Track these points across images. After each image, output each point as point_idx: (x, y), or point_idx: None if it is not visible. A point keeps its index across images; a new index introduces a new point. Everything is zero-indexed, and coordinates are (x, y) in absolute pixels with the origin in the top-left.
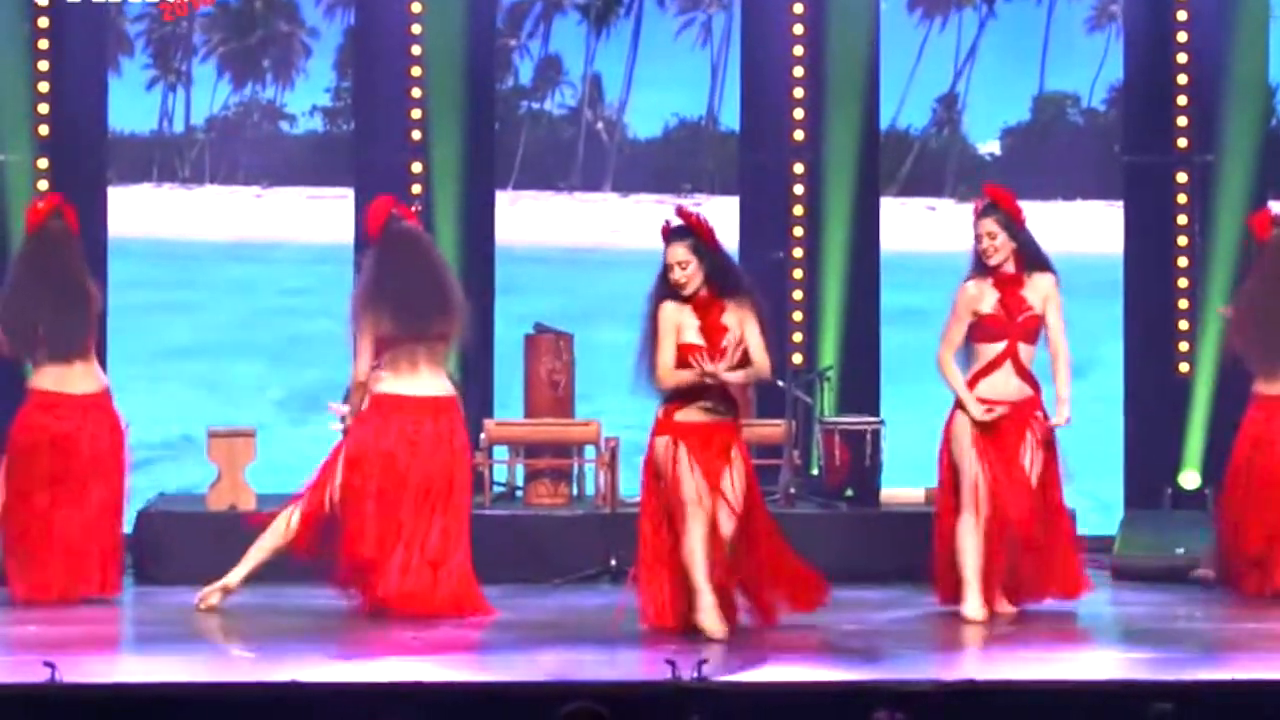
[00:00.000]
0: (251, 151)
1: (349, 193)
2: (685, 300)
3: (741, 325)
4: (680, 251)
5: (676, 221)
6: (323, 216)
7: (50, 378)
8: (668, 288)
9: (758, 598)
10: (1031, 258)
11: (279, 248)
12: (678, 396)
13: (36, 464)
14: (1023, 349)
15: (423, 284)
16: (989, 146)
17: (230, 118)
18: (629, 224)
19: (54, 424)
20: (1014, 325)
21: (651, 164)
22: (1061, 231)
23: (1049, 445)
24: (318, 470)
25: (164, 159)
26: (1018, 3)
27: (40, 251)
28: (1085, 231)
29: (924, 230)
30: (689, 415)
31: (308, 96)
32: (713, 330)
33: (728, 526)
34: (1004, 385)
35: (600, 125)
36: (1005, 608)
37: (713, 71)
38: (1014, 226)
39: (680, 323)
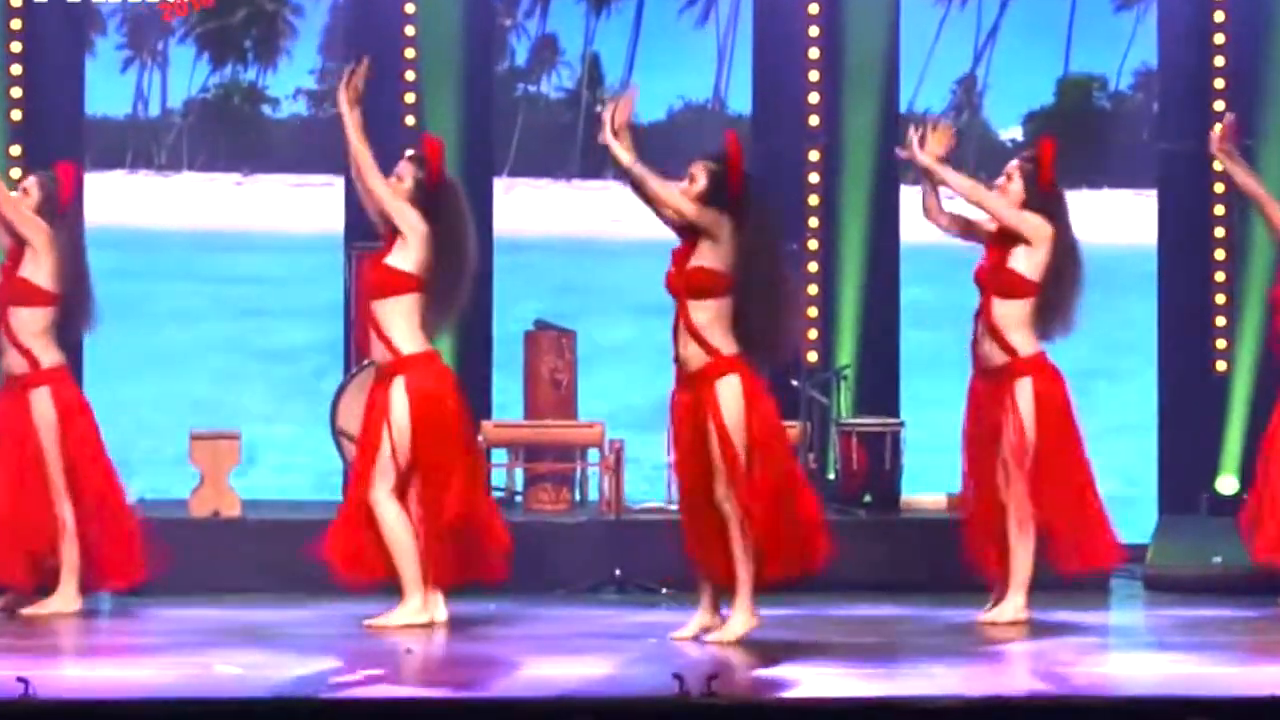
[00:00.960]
0: (231, 136)
1: (335, 180)
2: None
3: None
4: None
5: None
6: (307, 205)
7: None
8: None
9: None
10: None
11: (260, 237)
12: None
13: None
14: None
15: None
16: (1011, 132)
17: (209, 101)
18: (632, 213)
19: None
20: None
21: (655, 149)
22: (1089, 221)
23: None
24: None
25: (139, 144)
26: None
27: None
28: (1115, 222)
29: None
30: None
31: (291, 79)
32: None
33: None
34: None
35: (600, 108)
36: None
37: (719, 52)
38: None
39: None
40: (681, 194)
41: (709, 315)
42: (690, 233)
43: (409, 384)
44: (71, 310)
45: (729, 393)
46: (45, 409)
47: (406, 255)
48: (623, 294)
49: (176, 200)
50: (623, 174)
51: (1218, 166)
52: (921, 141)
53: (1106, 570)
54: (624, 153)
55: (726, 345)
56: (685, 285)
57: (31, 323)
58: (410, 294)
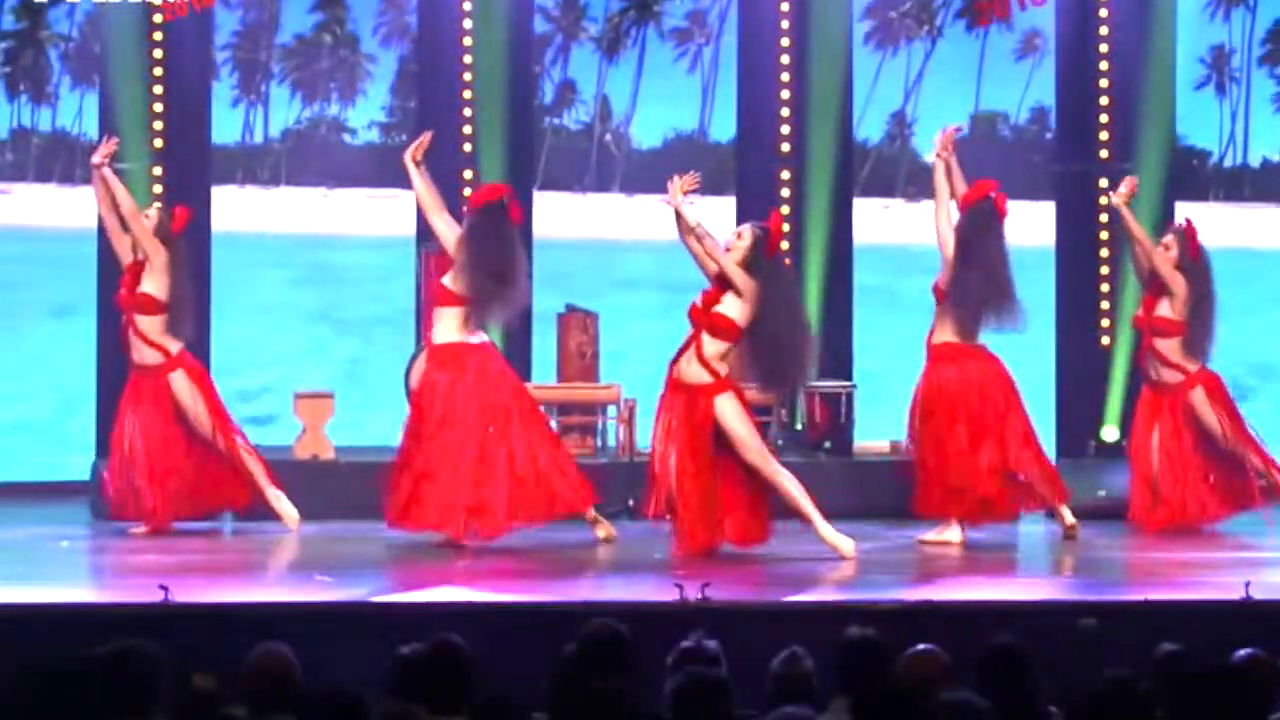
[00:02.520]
0: (319, 158)
1: (399, 193)
2: None
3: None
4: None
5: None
6: (379, 214)
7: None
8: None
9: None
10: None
11: (343, 239)
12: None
13: None
14: None
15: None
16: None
17: (302, 131)
18: (633, 220)
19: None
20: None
21: (652, 170)
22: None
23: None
24: None
25: (247, 166)
26: (957, 35)
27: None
28: (1016, 227)
29: (879, 225)
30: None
31: (366, 114)
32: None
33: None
34: None
35: (609, 137)
36: None
37: (703, 92)
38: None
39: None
40: (726, 252)
41: (718, 351)
42: (723, 284)
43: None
44: (178, 318)
45: (728, 404)
46: (184, 386)
47: None
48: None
49: (276, 210)
50: (686, 231)
51: (1103, 184)
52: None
53: None
54: (688, 217)
55: (724, 370)
56: (707, 324)
57: (154, 326)
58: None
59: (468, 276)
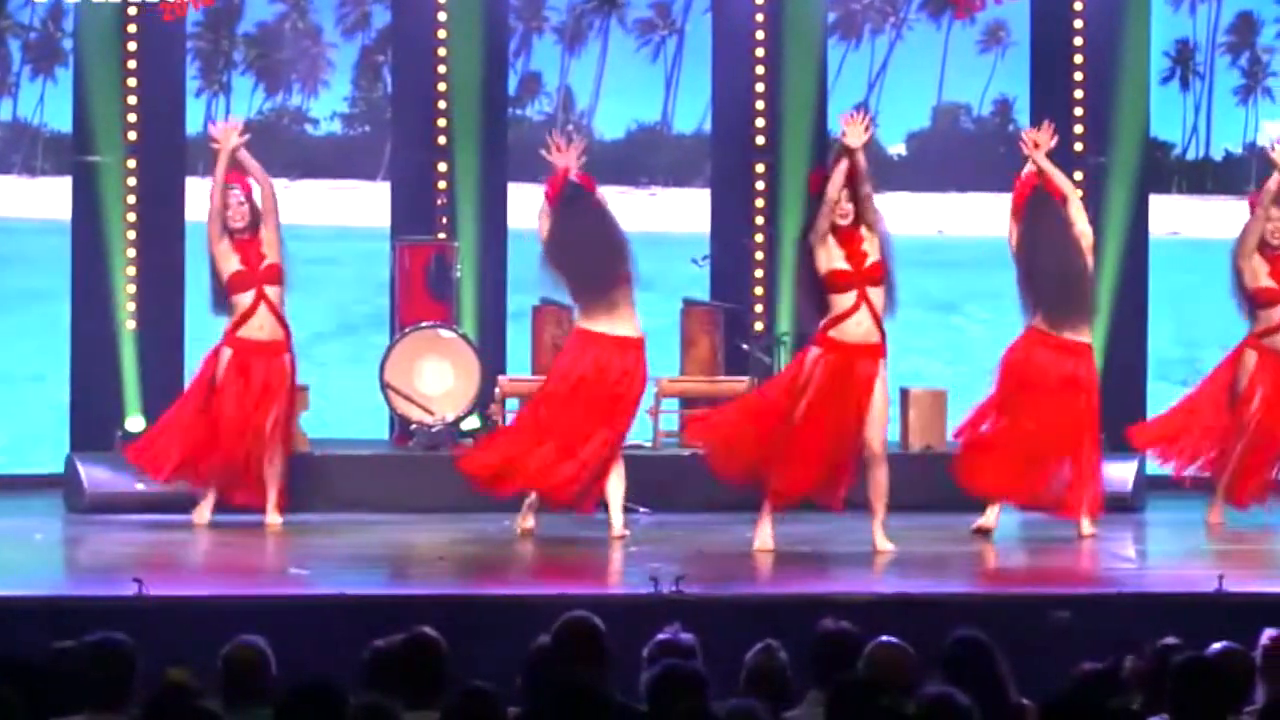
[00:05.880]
0: (282, 149)
1: (364, 185)
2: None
3: (879, 245)
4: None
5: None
6: (342, 204)
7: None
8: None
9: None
10: None
11: (305, 229)
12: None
13: None
14: None
15: (590, 242)
16: (896, 148)
17: (264, 122)
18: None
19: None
20: None
21: (615, 160)
22: (960, 218)
23: None
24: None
25: (209, 156)
26: (920, 28)
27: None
28: (979, 218)
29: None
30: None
31: (329, 105)
32: (856, 255)
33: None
34: None
35: (572, 128)
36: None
37: (666, 84)
38: None
39: (827, 253)
40: None
41: None
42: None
43: None
44: None
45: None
46: (291, 370)
47: None
48: None
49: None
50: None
51: (1078, 176)
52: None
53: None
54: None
55: None
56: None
57: (281, 297)
58: None
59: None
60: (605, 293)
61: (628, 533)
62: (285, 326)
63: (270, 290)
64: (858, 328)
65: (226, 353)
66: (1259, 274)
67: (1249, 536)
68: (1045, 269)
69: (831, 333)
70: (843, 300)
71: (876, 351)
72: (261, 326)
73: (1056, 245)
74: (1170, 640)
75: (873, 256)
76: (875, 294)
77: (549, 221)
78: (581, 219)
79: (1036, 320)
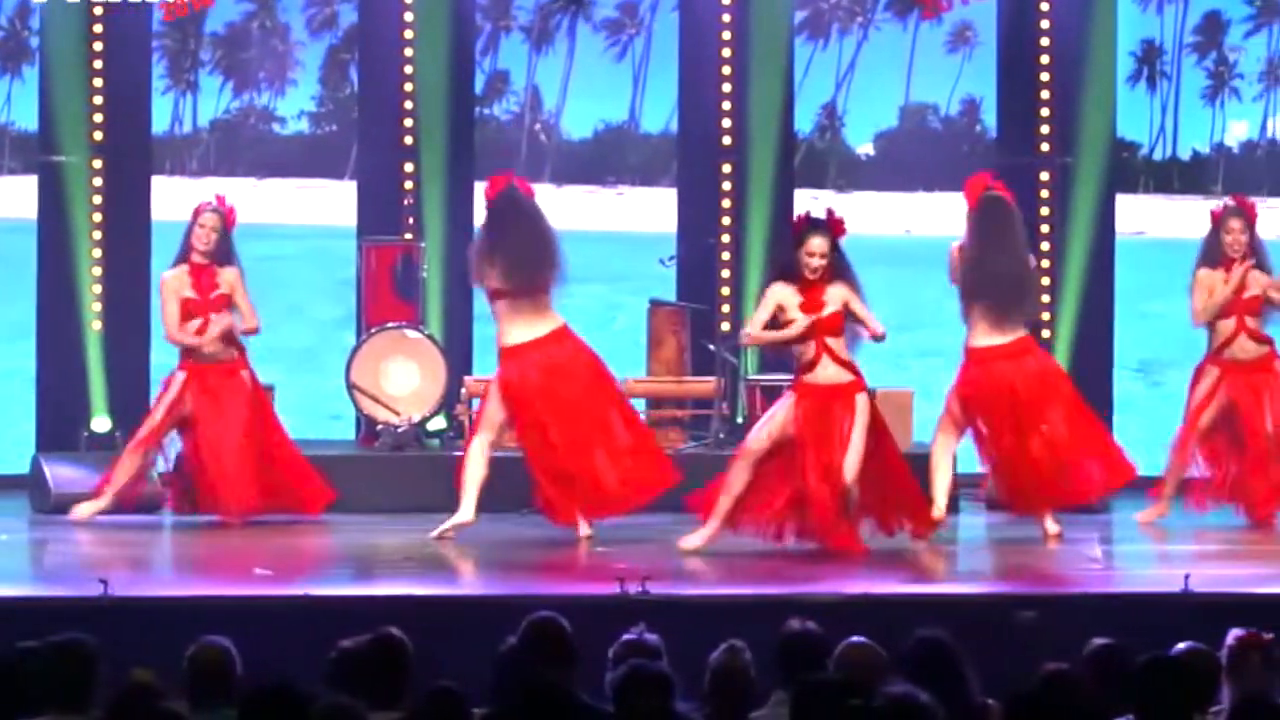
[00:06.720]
0: (249, 148)
1: (331, 184)
2: (795, 282)
3: (843, 301)
4: (823, 244)
5: (818, 215)
6: (309, 204)
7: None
8: (785, 270)
9: (883, 520)
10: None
11: (270, 228)
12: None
13: None
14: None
15: (526, 242)
16: (864, 148)
17: (231, 121)
18: (563, 209)
19: None
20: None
21: (582, 160)
22: (926, 217)
23: None
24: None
25: (175, 155)
26: (888, 28)
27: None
28: (946, 218)
29: None
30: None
31: (296, 103)
32: (812, 305)
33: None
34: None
35: (539, 128)
36: None
37: (634, 83)
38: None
39: (782, 303)
40: None
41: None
42: None
43: None
44: None
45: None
46: (253, 384)
47: None
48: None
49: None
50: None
51: (1044, 177)
52: None
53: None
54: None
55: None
56: None
57: (230, 325)
58: None
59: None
60: (534, 292)
61: (592, 532)
62: (237, 346)
63: (216, 317)
64: (824, 371)
65: (180, 376)
66: (1216, 286)
67: (1215, 536)
68: (995, 269)
69: (805, 378)
70: (805, 350)
71: (851, 389)
72: (214, 352)
73: (1007, 245)
74: (1103, 640)
75: (832, 307)
76: (835, 343)
77: (490, 219)
78: (520, 218)
79: (975, 334)
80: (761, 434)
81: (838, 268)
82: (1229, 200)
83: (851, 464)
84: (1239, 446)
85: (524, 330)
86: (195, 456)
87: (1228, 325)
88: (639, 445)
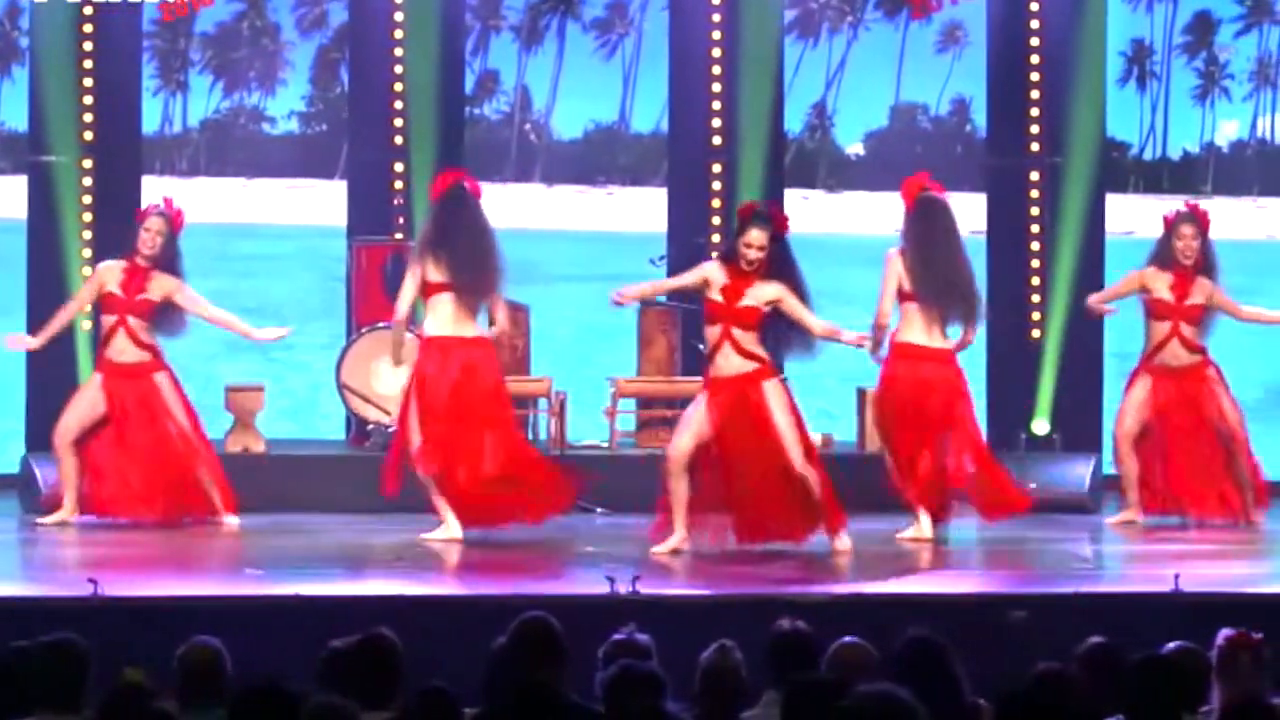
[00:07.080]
0: (239, 149)
1: (321, 184)
2: (731, 267)
3: (772, 299)
4: (761, 237)
5: (762, 208)
6: (299, 203)
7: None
8: (727, 254)
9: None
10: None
11: (260, 228)
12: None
13: None
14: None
15: (475, 244)
16: (854, 147)
17: (221, 121)
18: (553, 210)
19: None
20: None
21: (573, 160)
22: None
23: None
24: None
25: (165, 155)
26: (878, 28)
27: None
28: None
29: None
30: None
31: (286, 103)
32: (733, 294)
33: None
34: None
35: (529, 128)
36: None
37: (624, 83)
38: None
39: (709, 278)
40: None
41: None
42: None
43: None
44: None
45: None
46: (171, 385)
47: None
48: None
49: (195, 199)
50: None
51: (1034, 177)
52: None
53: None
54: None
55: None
56: None
57: (147, 330)
58: None
59: (446, 263)
60: (475, 293)
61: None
62: (150, 349)
63: (133, 321)
64: (727, 362)
65: (97, 378)
66: (1155, 286)
67: (1205, 535)
68: (944, 274)
69: (712, 373)
70: (710, 336)
71: (758, 376)
72: (122, 351)
73: (949, 246)
74: (1096, 640)
75: (749, 301)
76: (742, 336)
77: (439, 214)
78: (472, 218)
79: (906, 330)
80: (682, 440)
81: (778, 265)
82: (1183, 206)
83: (796, 454)
84: (1163, 454)
85: (455, 326)
86: (100, 458)
87: (1162, 329)
88: (513, 473)
